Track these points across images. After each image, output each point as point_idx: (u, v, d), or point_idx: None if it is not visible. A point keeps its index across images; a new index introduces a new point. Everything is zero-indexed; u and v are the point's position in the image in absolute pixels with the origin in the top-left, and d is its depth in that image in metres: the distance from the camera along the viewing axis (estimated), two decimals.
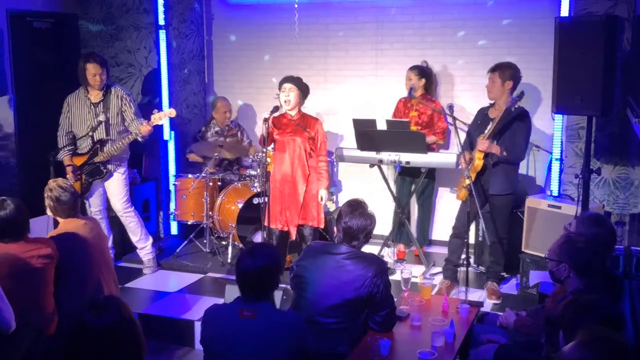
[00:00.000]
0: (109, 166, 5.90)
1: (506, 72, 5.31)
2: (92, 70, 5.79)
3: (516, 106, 5.25)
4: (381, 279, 3.57)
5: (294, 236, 5.65)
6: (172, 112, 5.83)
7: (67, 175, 5.83)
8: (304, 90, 5.58)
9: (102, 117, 5.84)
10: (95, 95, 5.89)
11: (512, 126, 5.27)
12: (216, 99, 7.10)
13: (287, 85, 5.50)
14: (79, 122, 5.89)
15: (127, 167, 6.15)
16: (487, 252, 5.69)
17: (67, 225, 4.28)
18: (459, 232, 5.51)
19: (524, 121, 5.33)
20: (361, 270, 3.55)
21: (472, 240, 5.91)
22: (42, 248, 3.92)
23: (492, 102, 5.46)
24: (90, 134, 5.84)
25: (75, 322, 2.30)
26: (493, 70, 5.36)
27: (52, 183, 4.34)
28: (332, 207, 7.14)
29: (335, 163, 7.07)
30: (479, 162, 5.24)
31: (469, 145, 5.51)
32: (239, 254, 3.24)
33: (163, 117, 5.79)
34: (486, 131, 5.25)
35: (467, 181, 5.09)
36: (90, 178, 5.88)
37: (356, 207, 3.73)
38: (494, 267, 5.54)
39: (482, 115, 5.49)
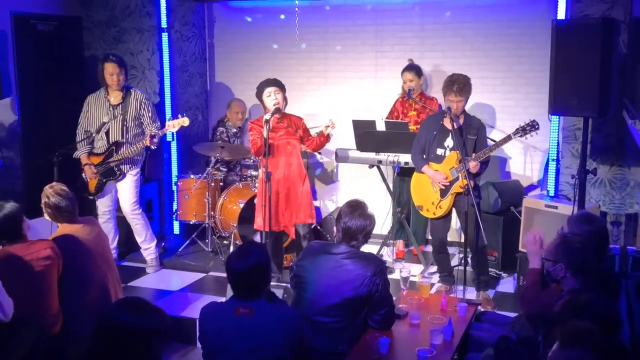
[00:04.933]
0: (123, 167, 5.97)
1: (469, 90, 5.18)
2: (110, 70, 5.86)
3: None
4: (380, 278, 3.61)
5: (294, 235, 5.68)
6: (186, 121, 5.87)
7: (84, 173, 5.94)
8: (285, 90, 5.60)
9: (105, 119, 5.91)
10: (115, 97, 5.95)
11: (476, 137, 5.21)
12: (231, 100, 7.20)
13: (271, 89, 5.49)
14: (96, 122, 5.96)
15: (140, 169, 6.20)
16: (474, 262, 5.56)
17: (66, 229, 4.28)
18: (439, 247, 5.49)
19: (484, 131, 5.34)
20: (360, 270, 3.59)
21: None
22: (41, 250, 3.92)
23: (443, 112, 5.27)
24: (102, 135, 5.91)
25: (106, 320, 2.38)
26: (460, 93, 5.07)
27: (48, 190, 4.29)
28: (332, 207, 7.20)
29: (334, 164, 7.13)
30: (460, 188, 5.11)
31: (421, 152, 5.39)
32: (228, 256, 3.26)
33: (177, 125, 5.85)
34: (477, 153, 5.12)
35: (459, 186, 5.13)
36: (104, 178, 5.96)
37: (356, 207, 3.75)
38: (479, 278, 5.45)
39: (439, 126, 5.29)
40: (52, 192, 4.25)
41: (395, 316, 3.82)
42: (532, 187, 6.48)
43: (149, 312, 2.40)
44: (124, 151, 5.90)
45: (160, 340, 2.41)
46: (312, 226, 5.89)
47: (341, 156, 6.30)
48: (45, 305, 3.96)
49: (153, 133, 5.87)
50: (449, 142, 5.24)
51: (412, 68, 6.33)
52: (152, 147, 6.00)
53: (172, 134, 7.15)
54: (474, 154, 5.14)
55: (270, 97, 5.48)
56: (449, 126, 5.14)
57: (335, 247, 3.73)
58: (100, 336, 2.37)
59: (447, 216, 5.40)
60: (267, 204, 5.26)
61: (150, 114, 6.00)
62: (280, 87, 5.56)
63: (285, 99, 5.58)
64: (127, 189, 6.05)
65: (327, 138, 5.62)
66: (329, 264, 3.66)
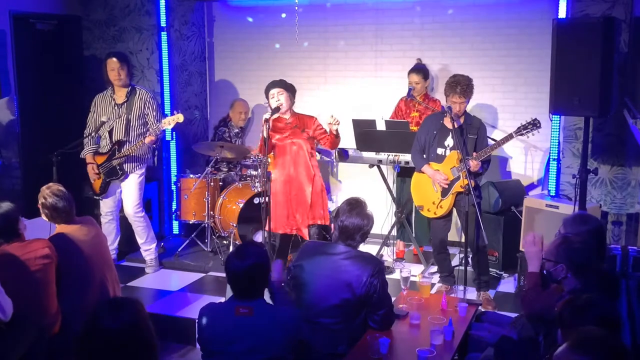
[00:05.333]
0: (125, 167, 5.95)
1: (472, 91, 5.16)
2: (111, 65, 5.87)
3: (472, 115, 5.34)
4: (378, 279, 3.58)
5: (307, 237, 5.63)
6: (180, 117, 5.84)
7: (89, 173, 5.95)
8: (291, 91, 5.58)
9: (104, 118, 5.90)
10: (120, 96, 5.95)
11: (476, 136, 5.22)
12: (234, 100, 7.20)
13: (274, 91, 5.48)
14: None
15: (146, 170, 6.14)
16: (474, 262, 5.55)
17: (64, 230, 4.25)
18: (440, 247, 5.48)
19: (485, 131, 5.34)
20: (358, 271, 3.57)
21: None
22: (39, 249, 3.90)
23: (443, 111, 5.28)
24: (106, 135, 5.90)
25: (88, 319, 2.30)
26: (463, 94, 5.06)
27: (45, 190, 4.25)
28: (331, 207, 7.18)
29: (334, 163, 7.12)
30: (461, 188, 5.09)
31: (421, 151, 5.38)
32: (227, 256, 3.24)
33: (172, 122, 5.82)
34: (484, 150, 5.11)
35: (460, 185, 5.11)
36: (108, 178, 5.96)
37: (355, 206, 3.72)
38: (480, 278, 5.44)
39: (439, 126, 5.29)
40: (49, 193, 4.21)
41: (395, 316, 3.80)
42: (532, 186, 6.47)
43: (125, 310, 2.34)
44: (125, 150, 5.89)
45: (145, 332, 2.35)
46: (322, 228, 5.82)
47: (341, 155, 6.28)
48: (44, 305, 3.94)
49: (149, 134, 5.84)
50: (449, 141, 5.23)
51: (420, 70, 6.29)
52: (153, 146, 5.99)
53: (172, 133, 7.14)
54: (475, 154, 5.12)
55: (274, 98, 5.48)
56: (449, 125, 5.12)
57: (332, 247, 3.70)
58: (87, 341, 2.30)
59: (447, 216, 5.38)
60: (267, 204, 5.24)
61: (154, 113, 5.98)
62: (285, 87, 5.53)
63: (290, 98, 5.54)
64: (130, 191, 6.03)
65: (337, 135, 5.52)
66: (327, 265, 3.63)
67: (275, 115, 5.48)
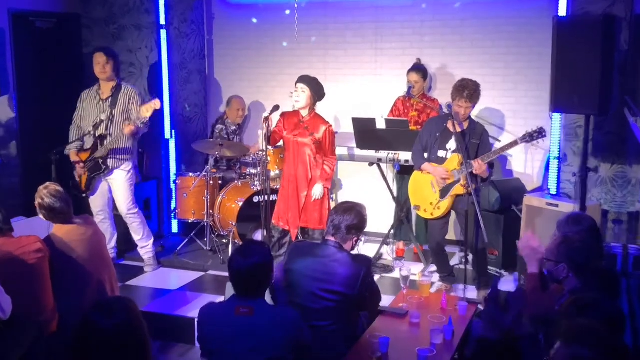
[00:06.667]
0: (109, 162, 5.89)
1: (478, 97, 5.16)
2: (96, 59, 5.85)
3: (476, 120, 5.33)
4: (370, 277, 3.65)
5: (294, 237, 5.66)
6: (157, 104, 5.72)
7: (76, 171, 5.90)
8: (317, 92, 5.51)
9: (103, 117, 5.88)
10: (105, 91, 5.91)
11: (479, 142, 5.21)
12: (231, 97, 7.18)
13: (299, 85, 5.47)
14: (87, 117, 5.91)
15: (134, 167, 6.09)
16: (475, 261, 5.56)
17: (61, 229, 4.23)
18: (437, 249, 5.47)
19: (487, 137, 5.33)
20: (350, 272, 3.58)
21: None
22: (32, 244, 3.89)
23: (446, 112, 5.24)
24: (93, 131, 5.86)
25: (81, 320, 2.31)
26: (470, 99, 5.07)
27: (42, 190, 4.22)
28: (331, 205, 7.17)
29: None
30: (461, 186, 5.08)
31: (422, 151, 5.37)
32: (231, 254, 3.25)
33: (149, 108, 5.70)
34: (487, 154, 5.09)
35: (460, 185, 5.10)
36: (92, 174, 5.91)
37: (346, 203, 3.84)
38: (480, 277, 5.47)
39: (442, 128, 5.28)
40: (46, 193, 4.18)
41: (380, 297, 3.87)
42: (537, 190, 6.43)
43: (117, 310, 2.34)
44: (107, 144, 5.83)
45: (138, 331, 2.35)
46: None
47: (340, 154, 6.26)
48: (42, 300, 3.93)
49: (128, 123, 5.75)
50: (452, 144, 5.21)
51: (420, 70, 6.28)
52: (137, 137, 5.92)
53: (171, 132, 7.13)
54: (483, 156, 5.11)
55: (295, 92, 5.47)
56: (453, 129, 5.11)
57: (322, 248, 3.71)
58: (81, 340, 2.30)
59: (445, 218, 5.36)
60: (266, 202, 5.24)
61: (138, 109, 5.94)
62: (310, 86, 5.47)
63: (311, 98, 5.48)
64: (120, 189, 5.97)
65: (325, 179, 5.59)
66: (318, 268, 3.63)
67: (276, 112, 5.46)
